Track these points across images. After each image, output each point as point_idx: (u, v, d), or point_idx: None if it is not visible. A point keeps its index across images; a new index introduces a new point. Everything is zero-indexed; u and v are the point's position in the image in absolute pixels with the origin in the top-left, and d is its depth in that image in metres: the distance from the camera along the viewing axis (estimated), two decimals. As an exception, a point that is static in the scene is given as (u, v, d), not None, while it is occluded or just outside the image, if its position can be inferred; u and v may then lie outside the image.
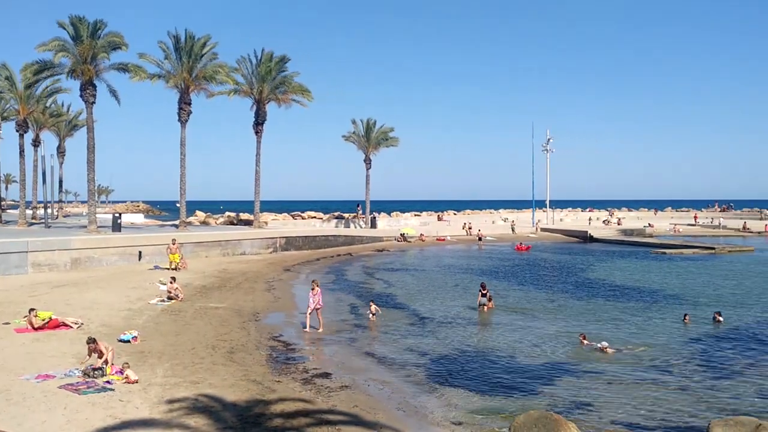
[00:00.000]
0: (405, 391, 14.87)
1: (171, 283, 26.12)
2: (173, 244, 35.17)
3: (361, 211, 69.80)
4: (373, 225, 66.42)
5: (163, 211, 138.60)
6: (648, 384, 15.48)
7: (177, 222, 49.72)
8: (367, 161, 66.75)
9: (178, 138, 46.16)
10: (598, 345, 18.82)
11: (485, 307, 25.97)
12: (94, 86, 40.53)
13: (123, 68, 41.32)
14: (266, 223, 59.14)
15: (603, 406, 13.72)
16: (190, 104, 45.91)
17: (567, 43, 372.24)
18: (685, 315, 23.34)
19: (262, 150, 52.24)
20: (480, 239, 63.62)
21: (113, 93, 42.67)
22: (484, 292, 26.49)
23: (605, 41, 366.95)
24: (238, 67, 50.24)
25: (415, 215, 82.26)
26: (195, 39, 44.73)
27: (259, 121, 51.84)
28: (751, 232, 72.73)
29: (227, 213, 67.39)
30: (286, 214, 71.93)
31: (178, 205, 48.08)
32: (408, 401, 14.07)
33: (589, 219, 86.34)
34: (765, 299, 28.31)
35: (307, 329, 21.38)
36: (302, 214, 72.23)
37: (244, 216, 61.99)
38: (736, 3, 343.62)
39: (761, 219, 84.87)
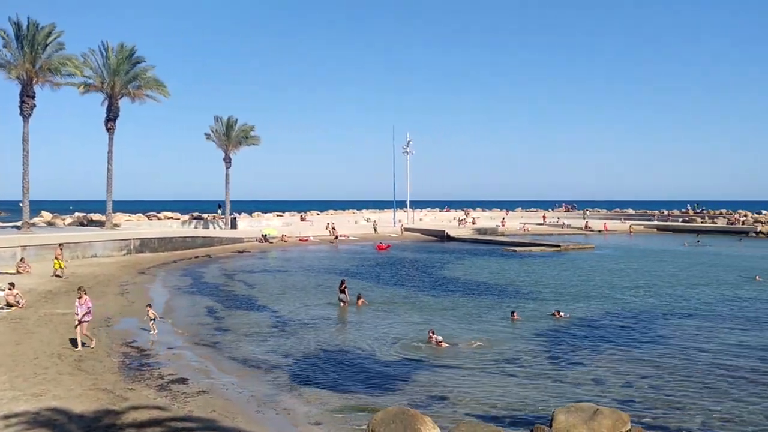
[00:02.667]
0: (265, 393, 14.72)
1: (10, 289, 24.25)
2: (60, 249, 33.18)
3: (220, 212, 68.15)
4: (234, 226, 65.03)
5: (4, 211, 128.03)
6: (498, 376, 16.30)
7: (19, 223, 46.09)
8: (227, 160, 65.17)
9: (20, 133, 42.76)
10: (434, 340, 19.58)
11: (343, 304, 26.75)
12: None
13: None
14: (119, 224, 56.28)
15: (457, 400, 14.30)
16: (33, 97, 42.66)
17: (428, 43, 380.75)
18: (513, 312, 24.38)
19: (115, 147, 49.65)
20: (336, 238, 63.85)
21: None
22: (343, 288, 27.12)
23: (464, 40, 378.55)
24: (85, 60, 47.16)
25: (278, 216, 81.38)
26: (39, 28, 41.65)
27: (111, 117, 49.09)
28: (593, 231, 78.29)
29: (77, 213, 63.63)
30: (141, 214, 69.03)
31: (21, 204, 44.53)
32: (268, 403, 13.94)
33: (459, 220, 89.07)
34: (604, 293, 30.60)
35: (79, 347, 17.92)
36: (158, 215, 69.51)
37: (96, 216, 58.72)
38: None
39: (583, 218, 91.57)
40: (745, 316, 24.61)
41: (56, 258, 33.19)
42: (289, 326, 22.91)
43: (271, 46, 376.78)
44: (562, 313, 24.41)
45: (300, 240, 63.19)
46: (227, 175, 65.28)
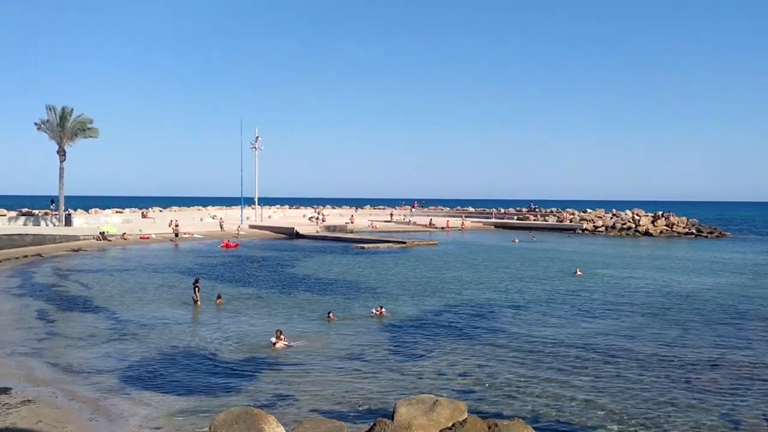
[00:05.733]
0: (100, 400, 13.98)
1: None
2: None
3: (53, 207, 63.86)
4: (68, 222, 61.12)
5: None
6: (342, 372, 16.57)
7: None
8: (62, 153, 61.18)
9: None
10: (282, 339, 19.49)
11: (198, 303, 26.31)
12: None
13: None
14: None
15: (302, 397, 14.37)
16: None
17: (268, 38, 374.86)
18: (329, 312, 24.27)
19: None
20: (176, 235, 61.77)
21: None
22: (195, 286, 26.82)
23: (315, 32, 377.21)
24: None
25: (117, 212, 77.59)
26: None
27: None
28: (436, 228, 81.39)
29: None
30: (-41, 211, 63.14)
31: None
32: (103, 410, 13.27)
33: (310, 217, 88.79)
34: (443, 287, 31.93)
35: None
36: (-20, 211, 63.90)
37: None
38: None
39: (411, 215, 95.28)
40: (568, 307, 26.64)
41: None
42: (128, 328, 21.90)
43: (117, 38, 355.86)
44: (383, 310, 24.53)
45: (141, 238, 60.38)
46: (61, 169, 61.49)
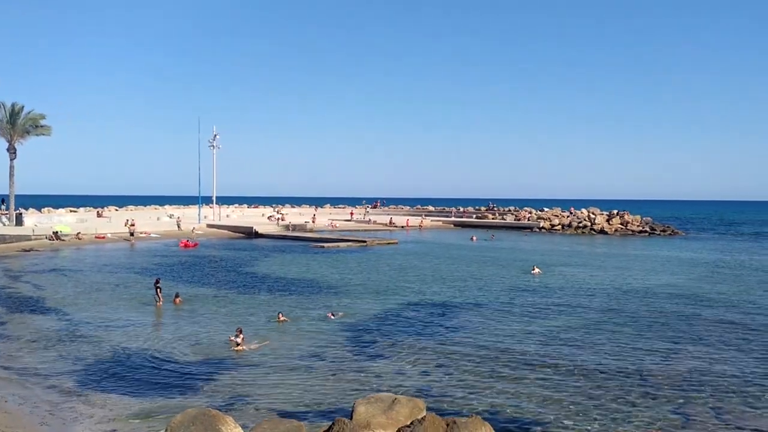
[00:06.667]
0: (52, 403, 13.69)
1: None
2: None
3: (4, 207, 62.30)
4: (19, 222, 59.61)
5: None
6: (301, 372, 16.52)
7: None
8: (12, 150, 59.69)
9: None
10: (241, 339, 19.30)
11: (159, 304, 26.12)
12: None
13: None
14: None
15: (260, 397, 14.30)
16: None
17: (228, 40, 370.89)
18: (279, 313, 23.93)
19: None
20: (132, 235, 60.72)
21: None
22: (156, 285, 26.69)
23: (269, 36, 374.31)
24: None
25: (72, 211, 76.06)
26: None
27: None
28: (396, 226, 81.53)
29: None
30: None
31: None
32: (55, 414, 12.99)
33: (269, 216, 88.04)
34: (403, 287, 32.07)
35: None
36: (-74, 210, 61.97)
37: None
38: None
39: (365, 215, 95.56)
40: (526, 306, 26.95)
41: None
42: (83, 330, 21.47)
43: (70, 36, 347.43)
44: (331, 315, 24.18)
45: (96, 237, 59.19)
46: (11, 167, 59.98)
